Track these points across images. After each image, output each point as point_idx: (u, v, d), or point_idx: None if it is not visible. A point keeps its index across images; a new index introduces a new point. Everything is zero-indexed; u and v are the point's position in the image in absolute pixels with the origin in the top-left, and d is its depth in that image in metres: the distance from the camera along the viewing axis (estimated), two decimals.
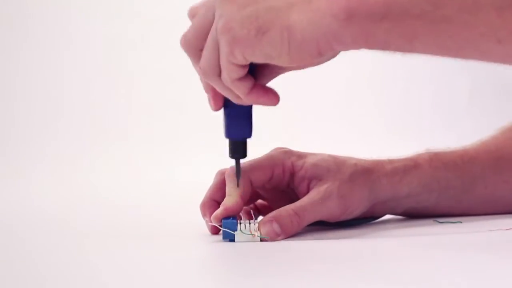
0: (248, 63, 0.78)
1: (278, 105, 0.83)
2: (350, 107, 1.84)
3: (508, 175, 0.97)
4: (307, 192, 0.89)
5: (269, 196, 0.91)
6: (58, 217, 1.12)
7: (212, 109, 0.85)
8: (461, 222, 0.94)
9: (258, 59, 0.77)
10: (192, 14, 0.82)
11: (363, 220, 0.93)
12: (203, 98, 0.85)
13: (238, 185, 0.86)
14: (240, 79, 0.79)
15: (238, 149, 0.85)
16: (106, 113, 1.73)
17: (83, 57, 1.77)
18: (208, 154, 1.54)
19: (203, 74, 0.80)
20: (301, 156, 0.91)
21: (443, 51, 0.74)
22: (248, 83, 0.80)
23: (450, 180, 0.94)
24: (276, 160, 0.90)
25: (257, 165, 0.89)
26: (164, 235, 0.92)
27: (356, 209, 0.90)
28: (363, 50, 0.76)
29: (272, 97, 0.81)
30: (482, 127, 1.01)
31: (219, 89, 0.81)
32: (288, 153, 0.91)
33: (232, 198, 0.86)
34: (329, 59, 0.79)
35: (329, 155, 0.91)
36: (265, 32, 0.75)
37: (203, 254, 0.83)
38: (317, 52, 0.76)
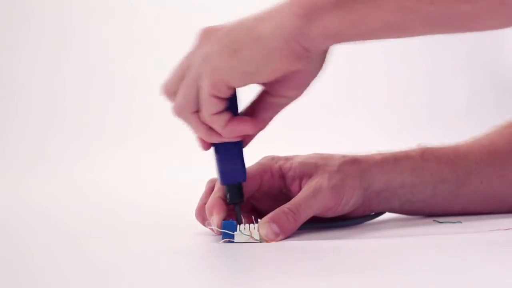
0: (229, 93, 0.81)
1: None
2: (348, 109, 1.84)
3: (503, 169, 0.97)
4: (300, 191, 0.89)
5: (264, 207, 0.91)
6: (59, 217, 1.12)
7: (203, 149, 0.86)
8: (461, 222, 0.94)
9: (240, 81, 0.80)
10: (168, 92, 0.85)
11: (363, 218, 0.93)
12: None
13: (239, 225, 0.85)
14: (218, 113, 0.81)
15: (235, 194, 0.86)
16: (107, 113, 1.74)
17: (84, 57, 1.77)
18: (208, 154, 1.54)
19: (178, 110, 0.83)
20: (288, 158, 0.92)
21: (389, 29, 0.78)
22: (225, 116, 0.82)
23: (444, 173, 0.95)
24: (264, 166, 0.91)
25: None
26: (164, 234, 0.93)
27: (350, 199, 0.90)
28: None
29: (249, 125, 0.83)
30: (481, 130, 1.01)
31: (192, 127, 0.83)
32: (275, 158, 0.92)
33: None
34: (313, 71, 0.82)
35: (315, 153, 0.92)
36: (238, 50, 0.79)
37: (202, 253, 0.83)
38: (291, 54, 0.79)
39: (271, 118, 0.85)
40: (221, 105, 0.81)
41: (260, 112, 0.84)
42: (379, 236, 0.87)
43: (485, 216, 0.97)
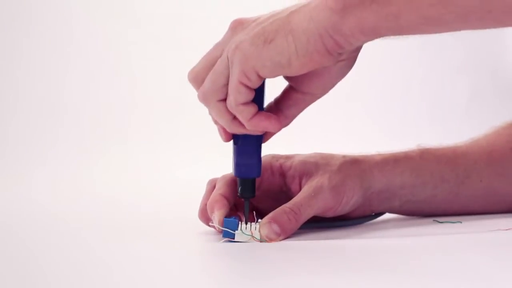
0: (258, 83, 0.81)
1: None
2: (349, 109, 1.84)
3: (502, 168, 0.97)
4: (300, 190, 0.89)
5: (264, 206, 0.91)
6: (59, 217, 1.12)
7: (223, 140, 0.86)
8: (461, 222, 0.94)
9: (270, 71, 0.80)
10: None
11: (363, 219, 0.94)
12: None
13: (246, 222, 0.85)
14: (245, 103, 0.81)
15: (247, 188, 0.86)
16: (108, 113, 1.73)
17: (84, 57, 1.77)
18: (208, 154, 1.54)
19: (203, 97, 0.83)
20: (288, 157, 0.93)
21: (427, 23, 0.77)
22: (251, 109, 0.82)
23: (443, 173, 0.95)
24: (264, 164, 0.91)
25: None
26: (165, 234, 0.92)
27: (351, 199, 0.90)
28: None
29: (274, 123, 0.83)
30: (481, 130, 1.02)
31: (216, 115, 0.83)
32: (275, 156, 0.93)
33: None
34: (342, 70, 0.83)
35: (316, 152, 0.93)
36: (271, 41, 0.79)
37: (203, 253, 0.83)
38: (324, 48, 0.79)
39: (294, 116, 0.85)
40: (249, 95, 0.81)
41: (284, 108, 0.85)
42: (379, 236, 0.87)
43: (485, 216, 0.97)
